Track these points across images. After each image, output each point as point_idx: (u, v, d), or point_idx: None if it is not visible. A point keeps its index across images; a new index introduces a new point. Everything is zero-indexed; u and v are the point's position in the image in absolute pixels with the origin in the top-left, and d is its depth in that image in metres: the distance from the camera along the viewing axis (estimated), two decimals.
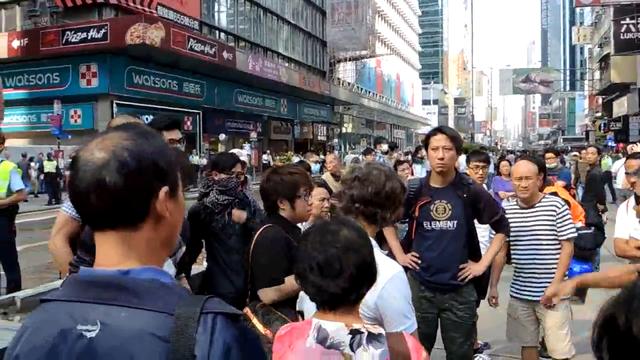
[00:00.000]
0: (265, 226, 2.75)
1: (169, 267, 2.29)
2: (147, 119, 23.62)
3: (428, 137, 3.39)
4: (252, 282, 2.71)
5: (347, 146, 45.81)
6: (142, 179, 0.98)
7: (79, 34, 22.07)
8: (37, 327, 1.01)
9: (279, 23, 40.64)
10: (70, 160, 1.05)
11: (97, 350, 0.94)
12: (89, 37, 21.85)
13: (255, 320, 2.41)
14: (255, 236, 2.72)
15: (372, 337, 1.53)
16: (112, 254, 1.00)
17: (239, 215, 3.83)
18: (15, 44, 23.41)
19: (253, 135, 31.97)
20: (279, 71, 33.87)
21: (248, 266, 2.77)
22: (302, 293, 2.39)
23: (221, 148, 28.16)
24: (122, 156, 0.97)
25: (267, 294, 2.54)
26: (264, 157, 31.84)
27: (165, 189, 1.01)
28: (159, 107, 24.50)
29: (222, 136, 29.15)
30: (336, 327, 1.55)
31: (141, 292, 0.96)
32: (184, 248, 2.43)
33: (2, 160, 5.93)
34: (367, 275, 1.60)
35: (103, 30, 21.67)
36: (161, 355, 0.91)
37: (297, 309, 2.42)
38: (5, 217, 5.83)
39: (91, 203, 0.98)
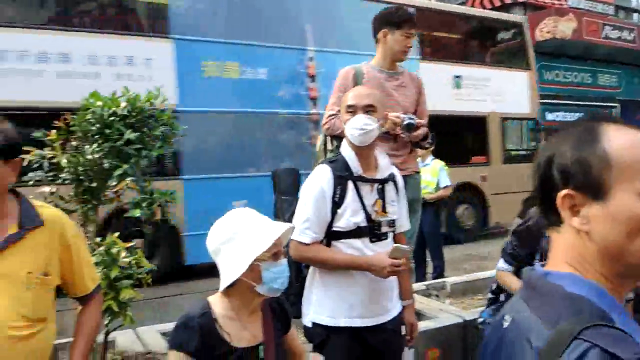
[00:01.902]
0: None
1: None
2: (556, 116, 23.05)
3: None
4: None
5: None
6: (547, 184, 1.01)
7: None
8: (500, 315, 1.13)
9: None
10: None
11: (504, 340, 1.03)
12: None
13: None
14: None
15: None
16: (553, 255, 1.04)
17: None
18: None
19: None
20: None
21: None
22: None
23: None
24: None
25: None
26: None
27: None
28: (570, 102, 23.44)
29: None
30: None
31: (541, 295, 0.98)
32: None
33: (433, 159, 6.66)
34: None
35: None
36: None
37: None
38: (433, 209, 6.53)
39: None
